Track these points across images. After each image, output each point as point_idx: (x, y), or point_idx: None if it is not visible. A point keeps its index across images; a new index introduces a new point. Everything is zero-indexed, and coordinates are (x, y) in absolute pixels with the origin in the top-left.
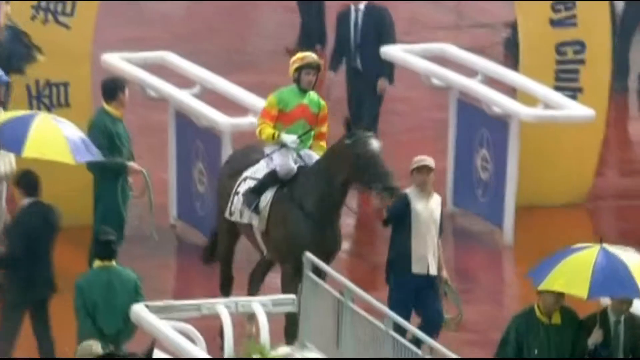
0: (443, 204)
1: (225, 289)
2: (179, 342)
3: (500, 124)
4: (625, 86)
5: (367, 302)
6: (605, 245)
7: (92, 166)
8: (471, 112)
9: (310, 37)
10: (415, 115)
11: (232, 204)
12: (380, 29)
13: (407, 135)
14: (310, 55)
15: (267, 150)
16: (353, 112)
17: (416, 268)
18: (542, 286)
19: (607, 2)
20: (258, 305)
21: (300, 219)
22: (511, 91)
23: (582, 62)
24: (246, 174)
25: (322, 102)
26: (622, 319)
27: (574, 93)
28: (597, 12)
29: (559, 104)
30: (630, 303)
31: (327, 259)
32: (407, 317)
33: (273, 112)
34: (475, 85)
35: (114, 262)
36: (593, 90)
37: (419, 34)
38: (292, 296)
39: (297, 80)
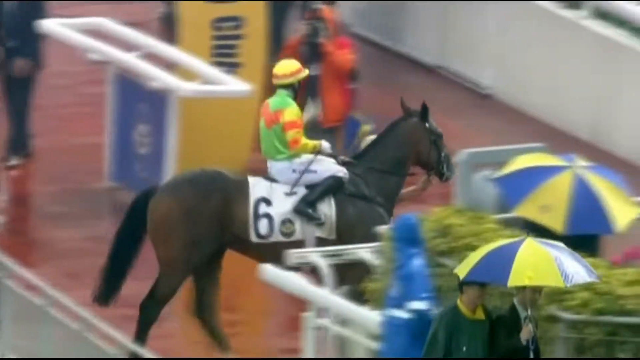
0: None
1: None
2: None
3: (158, 99)
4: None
5: (26, 279)
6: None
7: None
8: (130, 86)
9: None
10: (74, 89)
11: (256, 227)
12: (31, 4)
13: (67, 110)
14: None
15: (293, 166)
16: (5, 93)
17: None
18: (512, 283)
19: None
20: None
21: (382, 214)
22: (170, 66)
23: (239, 37)
24: (260, 195)
25: None
26: (530, 312)
27: (232, 68)
28: None
29: (216, 79)
30: (541, 293)
31: None
32: None
33: (300, 122)
34: (133, 60)
35: None
36: (250, 65)
37: (75, 8)
38: None
39: (297, 88)
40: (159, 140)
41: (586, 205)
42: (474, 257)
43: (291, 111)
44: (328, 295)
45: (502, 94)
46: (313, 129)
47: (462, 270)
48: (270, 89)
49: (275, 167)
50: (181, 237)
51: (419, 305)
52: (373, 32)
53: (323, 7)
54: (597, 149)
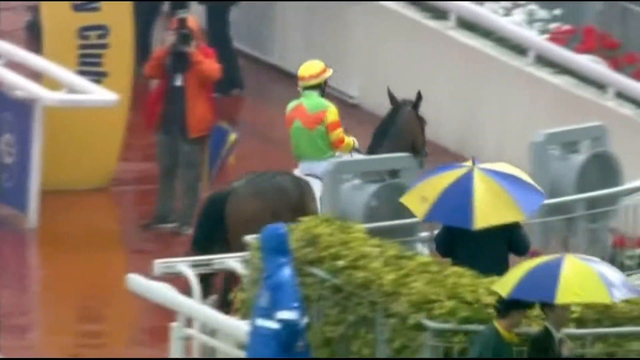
0: None
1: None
2: None
3: (24, 108)
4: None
5: None
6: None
7: None
8: None
9: None
10: None
11: None
12: None
13: None
14: None
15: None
16: None
17: None
18: (560, 300)
19: None
20: None
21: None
22: (36, 75)
23: (105, 46)
24: (320, 193)
25: None
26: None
27: (98, 77)
28: None
29: (82, 88)
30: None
31: None
32: None
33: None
34: None
35: None
36: (117, 74)
37: None
38: None
39: (324, 89)
40: (24, 150)
41: (455, 198)
42: (513, 276)
43: (333, 111)
44: (195, 305)
45: (369, 104)
46: (182, 140)
47: (503, 288)
48: (136, 100)
49: (319, 167)
50: None
51: (287, 315)
52: (241, 43)
53: (189, 16)
54: (465, 159)
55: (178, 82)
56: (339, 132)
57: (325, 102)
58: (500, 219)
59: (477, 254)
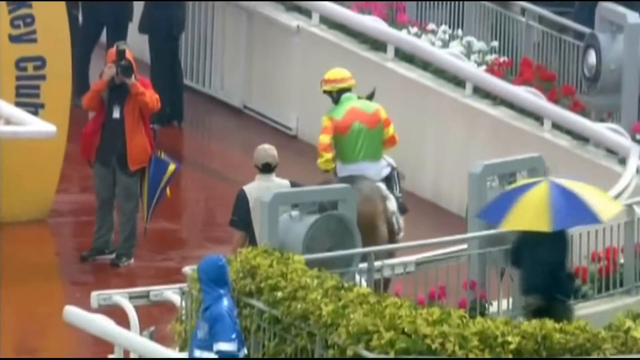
0: None
1: None
2: None
3: None
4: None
5: None
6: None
7: None
8: None
9: None
10: None
11: (397, 223)
12: None
13: None
14: None
15: (383, 162)
16: None
17: None
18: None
19: (65, 18)
20: None
21: None
22: None
23: (43, 77)
24: (385, 193)
25: None
26: None
27: (35, 109)
28: (57, 29)
29: (20, 119)
30: None
31: None
32: None
33: None
34: None
35: None
36: (54, 105)
37: None
38: None
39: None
40: None
41: (503, 199)
42: None
43: (384, 109)
44: (132, 337)
45: (307, 135)
46: (121, 172)
47: None
48: (74, 132)
49: (376, 166)
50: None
51: (225, 346)
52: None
53: (126, 48)
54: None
55: (116, 114)
56: (393, 128)
57: (370, 101)
58: (525, 226)
59: (532, 266)
